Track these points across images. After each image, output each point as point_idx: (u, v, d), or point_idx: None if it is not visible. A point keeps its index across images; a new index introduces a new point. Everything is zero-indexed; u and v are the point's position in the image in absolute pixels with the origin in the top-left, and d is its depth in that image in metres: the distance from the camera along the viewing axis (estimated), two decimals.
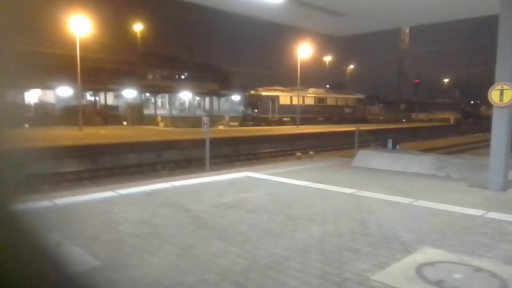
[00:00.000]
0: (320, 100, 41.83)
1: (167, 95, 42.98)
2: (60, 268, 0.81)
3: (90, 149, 14.35)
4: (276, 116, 36.70)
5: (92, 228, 4.31)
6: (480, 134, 32.73)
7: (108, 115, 33.27)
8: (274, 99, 37.21)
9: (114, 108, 36.48)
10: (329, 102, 42.62)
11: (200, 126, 11.07)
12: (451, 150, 21.01)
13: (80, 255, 3.43)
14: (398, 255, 3.61)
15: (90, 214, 4.87)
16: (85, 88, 31.57)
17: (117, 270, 3.20)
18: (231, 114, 36.28)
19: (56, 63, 27.55)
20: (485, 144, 10.16)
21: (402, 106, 56.39)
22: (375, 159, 9.41)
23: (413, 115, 53.99)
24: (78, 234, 4.07)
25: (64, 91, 33.53)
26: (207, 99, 42.70)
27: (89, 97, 37.68)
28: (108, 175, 12.96)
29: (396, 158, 9.16)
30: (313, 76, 51.43)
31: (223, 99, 43.94)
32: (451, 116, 51.13)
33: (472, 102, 76.03)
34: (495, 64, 6.60)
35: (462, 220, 4.82)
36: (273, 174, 8.09)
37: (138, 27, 44.08)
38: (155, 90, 40.88)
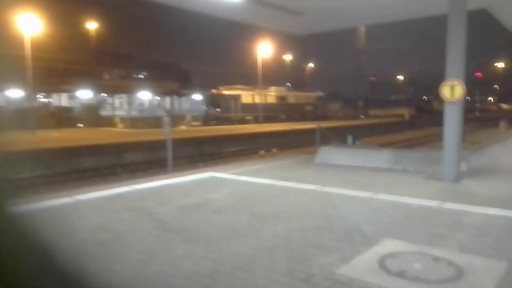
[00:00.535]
0: (281, 98, 42.24)
1: (125, 95, 41.76)
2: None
3: (45, 154, 13.68)
4: (239, 114, 36.68)
5: (48, 237, 4.09)
6: (433, 128, 34.51)
7: (63, 117, 31.86)
8: (236, 98, 37.22)
9: (69, 109, 34.96)
10: (291, 100, 43.17)
11: (161, 127, 10.86)
12: (407, 144, 21.97)
13: None
14: (361, 248, 3.71)
15: (45, 222, 4.62)
16: (37, 90, 30.08)
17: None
18: (193, 114, 35.81)
19: (4, 64, 26.02)
20: (438, 137, 10.69)
21: (360, 103, 58.12)
22: (336, 155, 9.63)
23: (371, 112, 55.79)
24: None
25: (15, 93, 31.72)
26: (168, 99, 41.93)
27: (42, 99, 35.87)
28: (64, 181, 12.43)
29: (356, 153, 9.42)
30: (274, 74, 51.86)
31: (184, 98, 43.31)
32: (406, 112, 53.29)
33: (425, 97, 79.86)
34: (446, 61, 6.95)
35: (420, 212, 5.04)
36: (237, 174, 8.07)
37: (92, 25, 42.44)
38: (112, 90, 39.59)
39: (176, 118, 32.57)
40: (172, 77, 46.05)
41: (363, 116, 52.71)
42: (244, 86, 39.56)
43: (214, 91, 37.60)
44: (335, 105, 54.29)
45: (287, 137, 25.23)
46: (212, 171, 8.47)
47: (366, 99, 61.92)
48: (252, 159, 13.57)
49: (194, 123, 33.97)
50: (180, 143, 16.96)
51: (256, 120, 35.44)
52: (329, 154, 9.76)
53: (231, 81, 42.01)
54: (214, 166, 10.02)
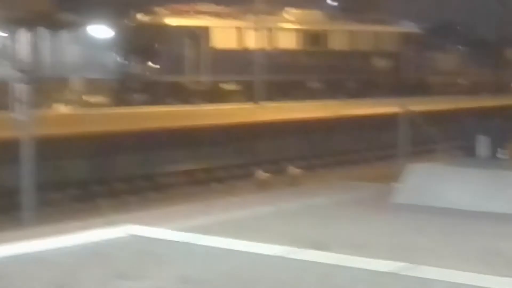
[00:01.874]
0: (314, 37, 42.45)
1: None
2: None
3: None
4: (205, 78, 36.79)
5: None
6: None
7: None
8: (198, 35, 37.29)
9: None
10: (336, 42, 43.40)
11: (4, 107, 10.84)
12: None
13: None
14: None
15: None
16: None
17: None
18: (90, 76, 35.81)
19: None
20: None
21: (511, 53, 58.14)
22: (447, 186, 9.74)
23: None
24: None
25: None
26: (25, 36, 41.86)
27: None
28: None
29: (499, 182, 9.52)
30: None
31: (65, 35, 43.33)
32: None
33: None
34: None
35: None
36: (198, 229, 8.12)
37: None
38: None
39: (49, 86, 32.23)
40: None
41: None
42: (218, 7, 39.74)
43: (142, 18, 37.60)
44: (450, 56, 54.28)
45: (326, 136, 25.55)
46: (133, 223, 8.49)
47: None
48: (238, 192, 13.62)
49: (91, 99, 33.87)
50: (54, 148, 17.10)
51: (248, 94, 35.71)
52: (430, 181, 9.89)
53: None
54: (138, 211, 10.02)
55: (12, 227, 9.58)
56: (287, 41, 40.89)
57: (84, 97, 33.93)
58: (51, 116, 24.05)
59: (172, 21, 37.32)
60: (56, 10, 43.45)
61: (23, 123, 11.06)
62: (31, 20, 40.43)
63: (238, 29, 38.51)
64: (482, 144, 11.01)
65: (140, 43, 37.10)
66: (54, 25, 40.66)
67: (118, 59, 37.96)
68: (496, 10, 62.99)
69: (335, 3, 54.14)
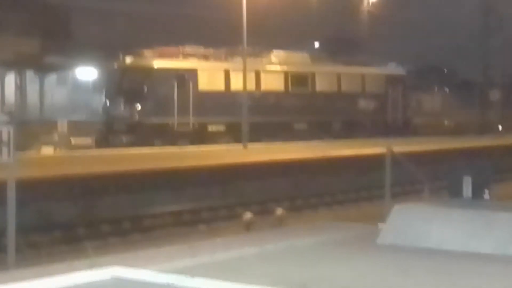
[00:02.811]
0: (299, 79, 42.63)
1: None
2: None
3: None
4: (191, 120, 36.84)
5: None
6: None
7: None
8: (186, 77, 37.38)
9: None
10: (321, 84, 43.61)
11: None
12: None
13: None
14: None
15: None
16: None
17: None
18: (76, 118, 35.81)
19: None
20: None
21: (495, 94, 58.58)
22: (433, 225, 9.74)
23: None
24: None
25: None
26: (11, 77, 41.87)
27: None
28: None
29: (485, 222, 9.49)
30: (282, 22, 52.73)
31: (53, 77, 43.32)
32: None
33: None
34: None
35: None
36: (183, 271, 8.03)
37: None
38: None
39: (34, 128, 32.20)
40: (25, 22, 45.82)
41: (501, 127, 53.24)
42: (206, 50, 39.89)
43: (129, 60, 37.67)
44: (434, 97, 54.63)
45: (311, 177, 25.73)
46: (117, 265, 8.41)
47: (509, 86, 62.59)
48: (224, 234, 13.82)
49: (77, 141, 33.87)
50: (39, 191, 17.12)
51: (235, 135, 35.69)
52: (416, 222, 9.89)
53: (175, 37, 42.32)
54: (123, 253, 10.06)
55: None
56: (274, 83, 41.09)
57: (70, 139, 33.92)
58: (36, 158, 24.05)
59: (160, 63, 37.43)
60: (44, 52, 43.50)
61: (8, 165, 11.01)
62: (18, 62, 40.48)
63: (226, 71, 38.66)
64: (468, 185, 11.04)
65: (127, 85, 37.18)
66: (41, 68, 40.73)
67: (105, 101, 38.01)
68: (481, 52, 63.60)
69: (322, 46, 54.38)
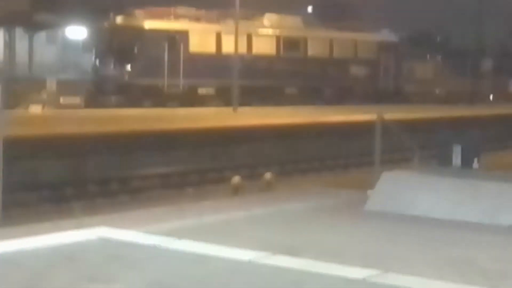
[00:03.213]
0: (291, 43, 42.44)
1: None
2: None
3: None
4: (181, 83, 36.72)
5: None
6: None
7: None
8: (176, 39, 37.16)
9: None
10: (314, 49, 43.42)
11: None
12: None
13: None
14: None
15: None
16: None
17: None
18: (65, 77, 35.56)
19: None
20: None
21: (487, 64, 58.50)
22: (420, 193, 9.77)
23: None
24: None
25: None
26: (0, 36, 41.47)
27: None
28: None
29: (473, 191, 9.53)
30: None
31: (42, 35, 42.95)
32: None
33: None
34: None
35: None
36: (170, 233, 8.07)
37: None
38: None
39: (23, 86, 31.96)
40: None
41: (493, 96, 53.13)
42: (198, 12, 39.60)
43: (119, 20, 37.41)
44: (426, 66, 54.50)
45: (301, 142, 25.60)
46: (104, 225, 8.44)
47: (503, 54, 62.44)
48: (212, 197, 13.73)
49: (66, 100, 33.66)
50: (27, 150, 17.15)
51: (225, 99, 35.71)
52: (404, 190, 9.91)
53: None
54: (110, 214, 10.02)
55: None
56: (266, 47, 40.86)
57: (59, 98, 33.72)
58: (24, 117, 23.91)
59: (151, 23, 37.18)
60: (33, 10, 43.11)
61: None
62: (7, 20, 40.14)
63: (217, 33, 38.45)
64: (458, 154, 11.04)
65: (118, 45, 36.93)
66: (31, 26, 40.40)
67: (95, 61, 37.76)
68: (474, 21, 63.37)
69: (315, 11, 54.16)
